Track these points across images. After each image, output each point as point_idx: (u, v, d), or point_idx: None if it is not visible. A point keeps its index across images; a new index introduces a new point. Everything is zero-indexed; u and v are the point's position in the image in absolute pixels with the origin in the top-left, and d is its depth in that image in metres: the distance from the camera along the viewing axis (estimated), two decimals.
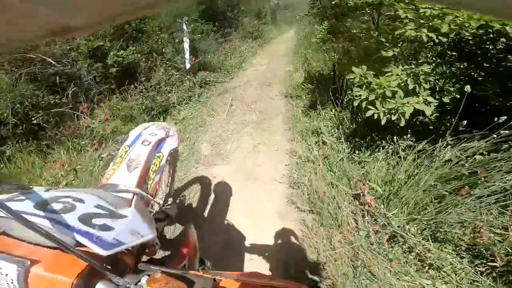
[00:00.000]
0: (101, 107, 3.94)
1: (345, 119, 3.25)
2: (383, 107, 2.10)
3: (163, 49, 5.05)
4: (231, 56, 6.94)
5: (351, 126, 3.17)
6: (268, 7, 14.48)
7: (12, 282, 0.49)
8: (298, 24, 12.93)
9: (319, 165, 2.75)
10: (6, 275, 0.49)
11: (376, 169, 2.38)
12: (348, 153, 2.81)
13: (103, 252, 0.52)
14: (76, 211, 0.60)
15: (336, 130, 3.21)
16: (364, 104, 2.19)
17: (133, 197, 0.88)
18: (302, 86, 4.70)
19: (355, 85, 2.29)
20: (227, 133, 3.73)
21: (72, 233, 0.54)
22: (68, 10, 0.13)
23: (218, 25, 8.25)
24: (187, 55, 5.22)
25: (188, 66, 5.18)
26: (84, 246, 0.52)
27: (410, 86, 2.07)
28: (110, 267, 0.55)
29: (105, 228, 0.59)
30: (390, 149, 2.39)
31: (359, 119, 3.14)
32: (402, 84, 2.09)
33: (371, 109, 2.14)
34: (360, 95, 2.21)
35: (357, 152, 2.75)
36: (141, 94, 4.23)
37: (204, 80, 5.25)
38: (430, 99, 2.01)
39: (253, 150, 3.30)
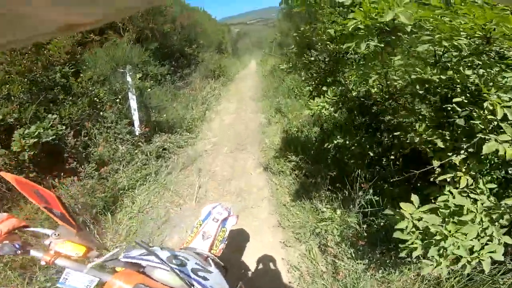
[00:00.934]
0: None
1: (355, 223, 2.47)
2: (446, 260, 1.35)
3: (101, 113, 3.86)
4: (192, 105, 5.95)
5: (364, 233, 2.39)
6: (228, 37, 13.96)
7: None
8: (259, 55, 12.55)
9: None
10: None
11: None
12: (365, 270, 2.07)
13: None
14: (188, 265, 0.96)
15: (343, 234, 2.43)
16: (416, 253, 1.42)
17: (207, 257, 1.27)
18: (283, 153, 3.87)
19: (398, 222, 1.50)
20: None
21: (191, 280, 0.88)
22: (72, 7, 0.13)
23: (175, 65, 7.27)
24: (135, 117, 4.09)
25: (138, 131, 4.05)
26: None
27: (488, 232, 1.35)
28: None
29: (205, 279, 0.93)
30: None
31: (376, 226, 2.38)
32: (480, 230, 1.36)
33: (428, 264, 1.39)
34: (410, 244, 1.43)
35: (380, 271, 2.06)
36: (73, 185, 3.03)
37: (162, 147, 4.18)
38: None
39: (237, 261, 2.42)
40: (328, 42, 2.51)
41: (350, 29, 1.28)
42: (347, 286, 2.05)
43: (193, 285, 0.85)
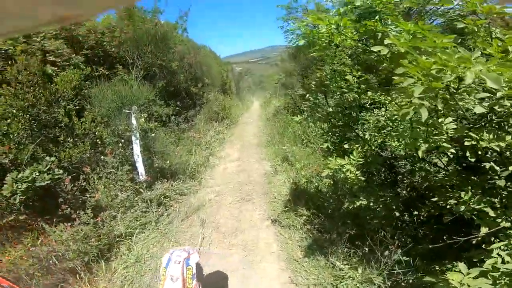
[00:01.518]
0: None
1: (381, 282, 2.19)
2: None
3: (102, 157, 3.64)
4: (196, 149, 5.79)
5: None
6: (231, 76, 14.37)
7: None
8: (261, 95, 12.79)
9: None
10: None
11: None
12: None
13: None
14: None
15: None
16: None
17: None
18: (292, 206, 3.62)
19: None
20: None
21: None
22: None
23: (180, 105, 7.23)
24: (139, 164, 3.85)
25: (142, 177, 3.79)
26: None
27: None
28: None
29: None
30: None
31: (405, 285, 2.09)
32: None
33: None
34: None
35: None
36: (66, 231, 2.73)
37: (163, 195, 3.91)
38: None
39: None
40: (345, 90, 2.45)
41: (405, 87, 1.15)
42: None
43: None
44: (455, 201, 1.58)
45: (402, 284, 2.19)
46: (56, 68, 3.77)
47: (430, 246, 1.92)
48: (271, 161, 5.48)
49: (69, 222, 2.88)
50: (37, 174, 2.89)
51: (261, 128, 7.85)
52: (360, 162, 2.12)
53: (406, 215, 2.40)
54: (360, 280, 2.34)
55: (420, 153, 1.38)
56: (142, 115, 4.58)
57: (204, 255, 2.91)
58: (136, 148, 3.90)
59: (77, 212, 2.98)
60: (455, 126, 1.37)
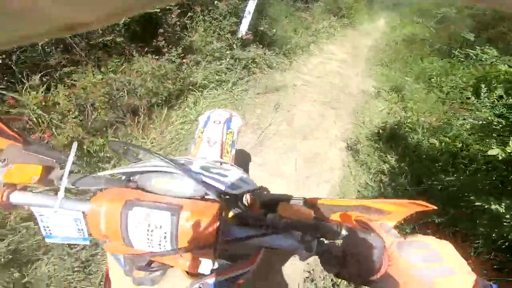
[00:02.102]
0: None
1: None
2: None
3: (215, 2, 3.30)
4: (301, 32, 4.98)
5: None
6: None
7: (164, 237, 0.50)
8: (392, 16, 10.23)
9: None
10: (160, 227, 0.50)
11: None
12: None
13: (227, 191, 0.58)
14: (194, 164, 0.65)
15: None
16: None
17: (221, 164, 0.91)
18: (378, 144, 2.96)
19: None
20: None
21: (203, 177, 0.58)
22: (75, 5, 0.12)
23: None
24: (246, 20, 3.50)
25: (242, 33, 3.44)
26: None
27: None
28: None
29: (221, 175, 0.63)
30: None
31: None
32: None
33: None
34: None
35: None
36: (151, 63, 2.64)
37: (253, 60, 3.53)
38: None
39: None
40: None
41: None
42: None
43: (207, 183, 0.56)
44: None
45: None
46: None
47: None
48: (377, 82, 4.50)
49: (158, 55, 2.75)
50: None
51: (382, 46, 6.37)
52: None
53: None
54: None
55: None
56: None
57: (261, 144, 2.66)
58: (252, 5, 3.50)
59: (169, 47, 2.85)
60: None
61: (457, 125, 3.09)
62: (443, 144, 2.80)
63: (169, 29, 2.97)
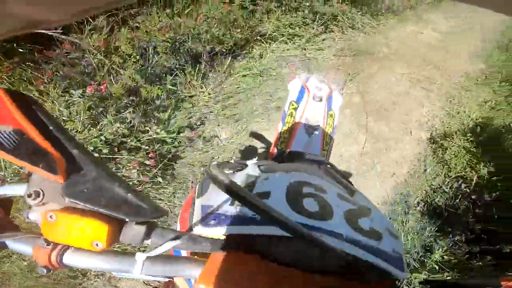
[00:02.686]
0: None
1: None
2: None
3: None
4: None
5: None
6: None
7: None
8: None
9: None
10: None
11: None
12: None
13: (403, 276, 0.35)
14: (332, 206, 0.38)
15: None
16: None
17: (325, 168, 0.64)
18: (469, 143, 2.35)
19: None
20: None
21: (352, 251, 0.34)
22: (42, 3, 0.12)
23: None
24: None
25: None
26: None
27: None
28: None
29: (375, 233, 0.37)
30: None
31: None
32: None
33: None
34: None
35: None
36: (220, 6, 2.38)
37: (334, 16, 3.02)
38: None
39: None
40: None
41: None
42: None
43: (363, 261, 0.33)
44: None
45: None
46: None
47: None
48: (488, 66, 3.56)
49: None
50: None
51: (508, 20, 4.98)
52: None
53: None
54: None
55: None
56: None
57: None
58: None
59: None
60: None
61: None
62: None
63: None
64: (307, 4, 2.87)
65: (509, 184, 1.99)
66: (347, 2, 3.18)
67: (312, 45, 2.77)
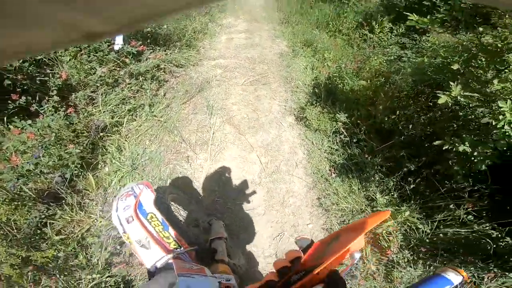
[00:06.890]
0: None
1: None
2: None
3: None
4: (193, 14, 4.45)
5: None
6: None
7: None
8: None
9: None
10: None
11: None
12: None
13: None
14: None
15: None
16: None
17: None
18: (322, 105, 2.90)
19: None
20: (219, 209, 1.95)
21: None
22: (93, 13, 0.11)
23: None
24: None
25: (117, 46, 2.64)
26: None
27: None
28: None
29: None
30: None
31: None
32: None
33: None
34: None
35: None
36: (25, 132, 1.90)
37: (156, 67, 2.98)
38: None
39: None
40: None
41: None
42: None
43: None
44: None
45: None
46: None
47: None
48: (287, 41, 4.40)
49: (29, 119, 1.91)
50: None
51: (273, 4, 6.23)
52: None
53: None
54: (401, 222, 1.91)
55: None
56: None
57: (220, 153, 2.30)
58: None
59: (36, 100, 2.02)
60: None
61: (373, 64, 3.22)
62: (372, 84, 2.89)
63: (24, 77, 2.13)
64: (122, 72, 2.67)
65: (364, 113, 2.61)
66: (159, 47, 3.17)
67: (158, 107, 2.67)
